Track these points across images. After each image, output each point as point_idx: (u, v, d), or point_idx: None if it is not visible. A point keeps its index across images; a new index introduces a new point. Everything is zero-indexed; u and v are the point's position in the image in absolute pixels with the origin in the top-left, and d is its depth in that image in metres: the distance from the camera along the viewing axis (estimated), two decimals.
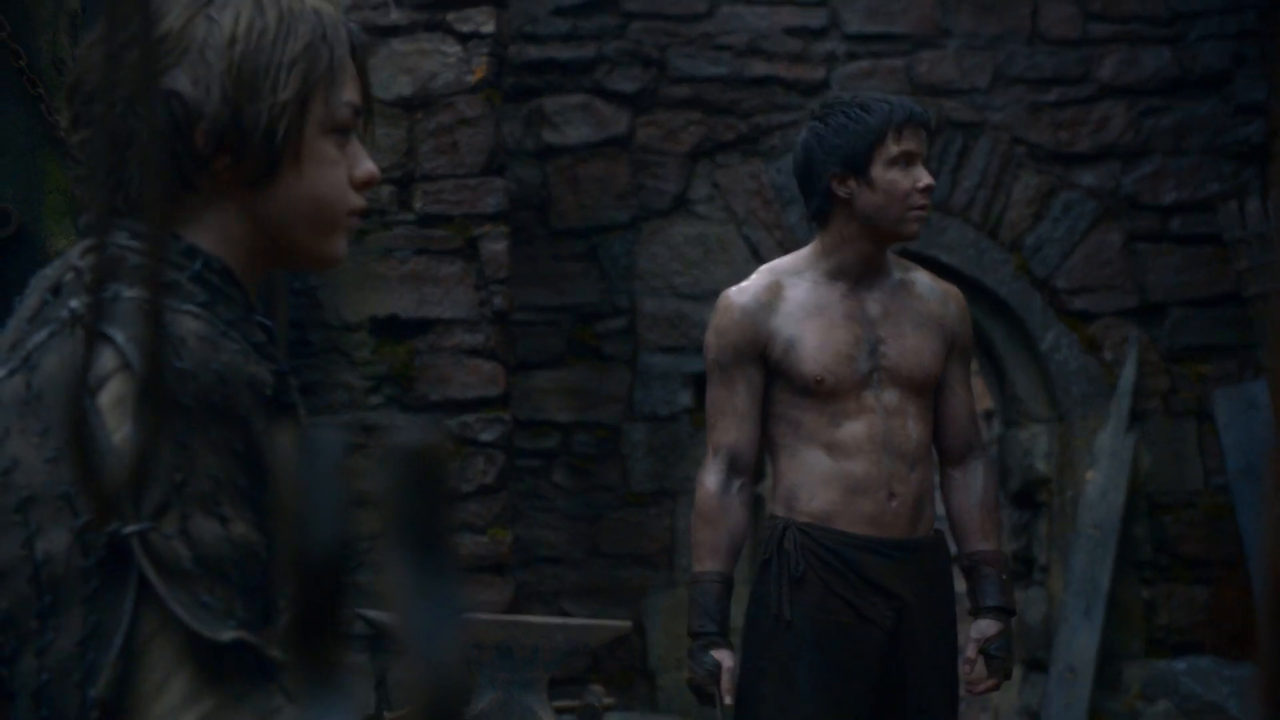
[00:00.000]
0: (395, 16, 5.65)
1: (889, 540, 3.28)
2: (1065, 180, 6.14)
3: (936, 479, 3.45)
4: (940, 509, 3.47)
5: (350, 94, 1.55)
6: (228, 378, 1.41)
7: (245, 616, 1.39)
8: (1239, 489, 5.85)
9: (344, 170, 1.55)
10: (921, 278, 3.42)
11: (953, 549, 3.47)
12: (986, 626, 3.33)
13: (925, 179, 3.27)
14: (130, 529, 1.36)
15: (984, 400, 7.27)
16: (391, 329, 5.47)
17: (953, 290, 3.45)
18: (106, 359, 1.39)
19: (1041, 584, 6.16)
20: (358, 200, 1.57)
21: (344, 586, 0.99)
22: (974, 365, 6.54)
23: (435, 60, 5.66)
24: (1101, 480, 5.97)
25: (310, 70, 1.51)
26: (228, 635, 1.35)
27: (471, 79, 5.64)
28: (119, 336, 1.40)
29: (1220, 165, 6.10)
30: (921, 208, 3.29)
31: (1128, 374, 6.03)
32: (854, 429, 3.28)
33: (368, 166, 1.57)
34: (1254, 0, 6.02)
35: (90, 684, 1.37)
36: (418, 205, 5.56)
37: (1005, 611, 3.35)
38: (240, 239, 1.53)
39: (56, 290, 1.46)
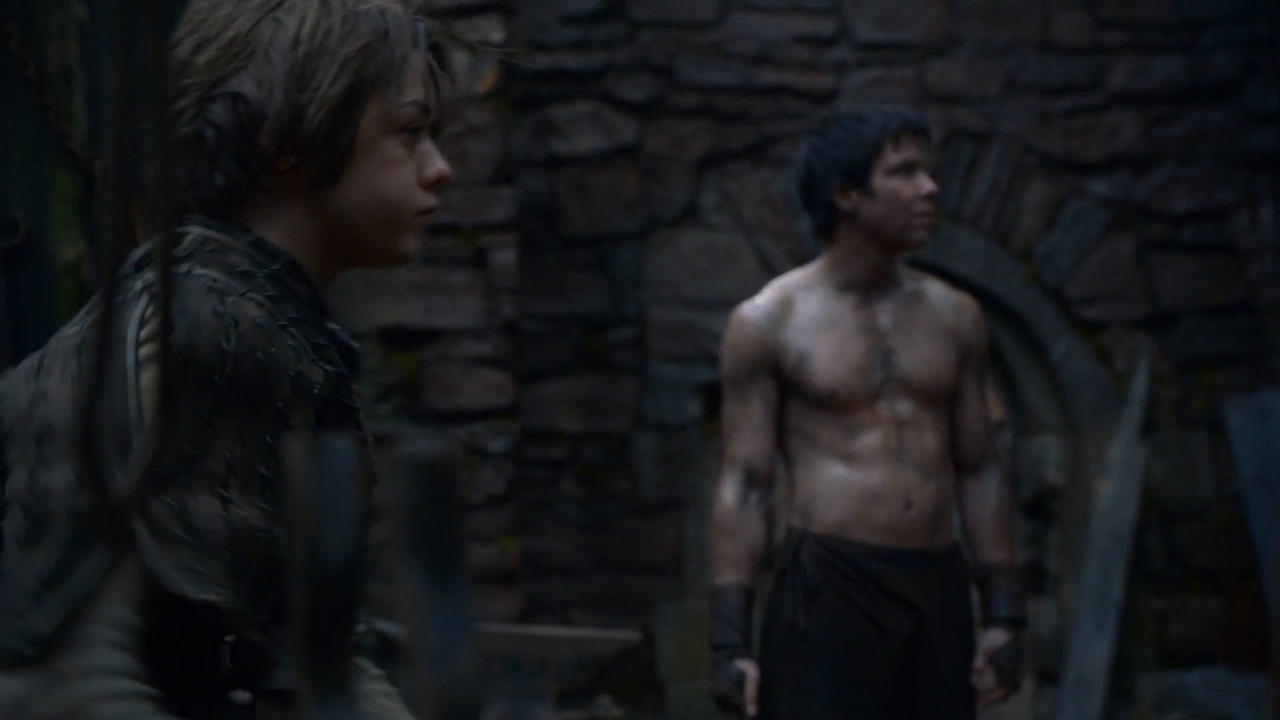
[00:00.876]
0: None
1: (906, 550, 3.29)
2: (1076, 189, 6.12)
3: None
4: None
5: (416, 93, 1.55)
6: (270, 369, 1.43)
7: (233, 597, 1.39)
8: (1251, 499, 5.83)
9: (412, 170, 1.56)
10: (935, 288, 3.43)
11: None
12: (996, 637, 3.35)
13: (927, 186, 3.29)
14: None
15: (996, 410, 7.25)
16: (399, 338, 5.46)
17: (967, 300, 3.46)
18: (158, 323, 1.41)
19: (1053, 595, 6.13)
20: (427, 200, 1.57)
21: (356, 598, 0.97)
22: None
23: None
24: (1113, 490, 5.95)
25: (363, 67, 1.52)
26: (204, 595, 1.36)
27: (480, 88, 5.63)
28: (174, 306, 1.42)
29: (1232, 174, 6.08)
30: (926, 214, 3.30)
31: (1139, 383, 6.01)
32: (868, 440, 3.30)
33: (438, 166, 1.57)
34: (1266, 8, 6.00)
35: (44, 620, 1.37)
36: None
37: (1016, 622, 3.36)
38: (309, 238, 1.55)
39: (140, 265, 1.50)
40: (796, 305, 3.36)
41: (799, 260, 5.48)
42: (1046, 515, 6.22)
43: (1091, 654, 5.84)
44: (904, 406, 3.32)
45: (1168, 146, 6.11)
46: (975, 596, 3.45)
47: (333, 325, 1.60)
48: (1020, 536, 6.24)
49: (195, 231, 1.50)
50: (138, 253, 1.52)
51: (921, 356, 3.34)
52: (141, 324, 1.41)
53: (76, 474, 1.37)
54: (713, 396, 5.74)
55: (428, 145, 1.57)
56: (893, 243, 3.32)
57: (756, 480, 3.35)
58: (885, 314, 3.36)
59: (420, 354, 5.45)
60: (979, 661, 3.35)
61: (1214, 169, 6.09)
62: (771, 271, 5.61)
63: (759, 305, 3.38)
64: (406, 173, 1.55)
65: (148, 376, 1.40)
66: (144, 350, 1.40)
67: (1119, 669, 5.89)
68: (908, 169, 3.29)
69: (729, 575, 3.32)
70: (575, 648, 4.34)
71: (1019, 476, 6.26)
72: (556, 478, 6.01)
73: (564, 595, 5.95)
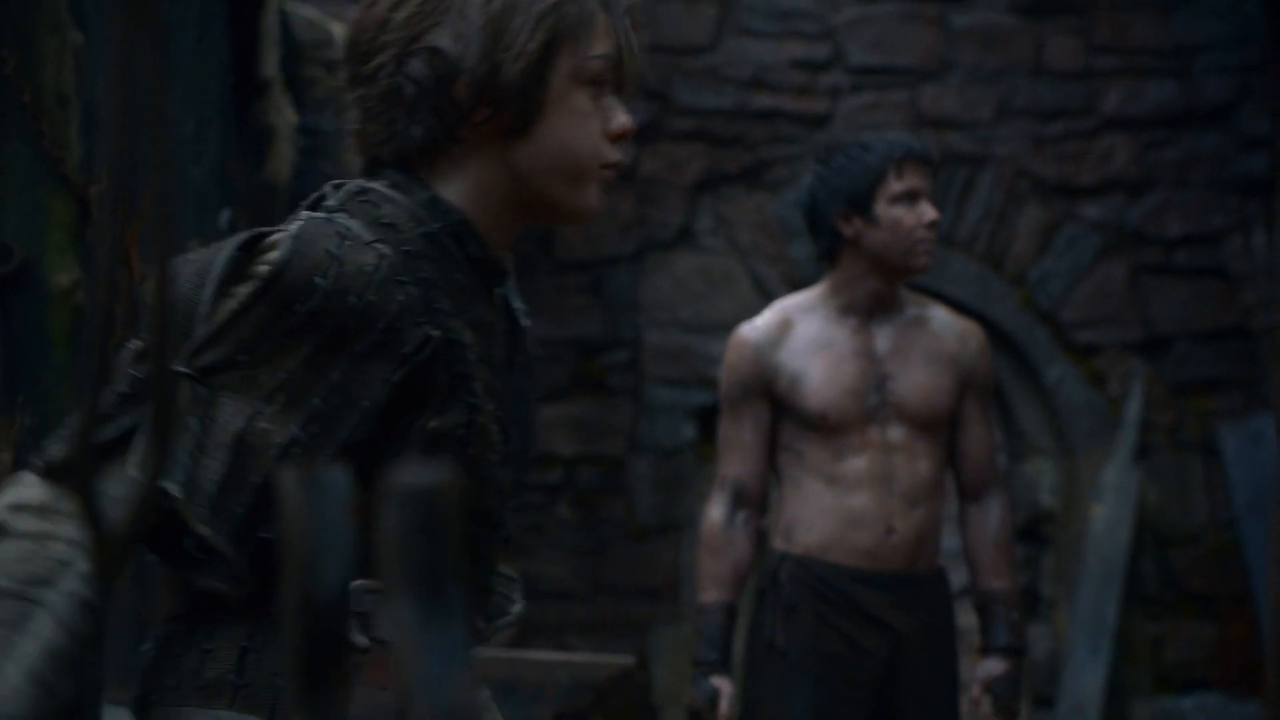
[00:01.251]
0: None
1: (886, 573, 3.32)
2: (1069, 213, 6.13)
3: (954, 513, 3.48)
4: (950, 544, 3.48)
5: (602, 47, 1.60)
6: (361, 315, 1.48)
7: (192, 497, 1.45)
8: (1246, 524, 5.82)
9: (598, 122, 1.61)
10: (939, 314, 3.45)
11: (957, 583, 3.47)
12: (993, 666, 3.35)
13: (930, 214, 3.32)
14: (176, 364, 1.45)
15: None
16: None
17: (972, 327, 3.47)
18: (271, 248, 1.49)
19: (1047, 619, 6.13)
20: (612, 153, 1.63)
21: (349, 629, 0.97)
22: None
23: None
24: (1108, 515, 5.94)
25: (558, 22, 1.58)
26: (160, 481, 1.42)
27: None
28: (292, 232, 1.50)
29: (1225, 198, 6.09)
30: (928, 241, 3.32)
31: (1133, 407, 6.01)
32: (856, 464, 3.32)
33: (621, 119, 1.62)
34: (1258, 34, 6.02)
35: (57, 451, 1.49)
36: None
37: (1014, 651, 3.36)
38: (495, 190, 1.61)
39: (312, 205, 1.59)
40: (795, 327, 3.39)
41: (794, 284, 5.48)
42: (1040, 539, 6.22)
43: (1086, 679, 5.83)
44: (896, 432, 3.34)
45: (1161, 171, 6.12)
46: (965, 621, 3.46)
47: (508, 296, 1.65)
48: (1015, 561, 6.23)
49: (353, 183, 1.58)
50: (314, 198, 1.60)
51: (917, 382, 3.35)
52: (263, 245, 1.49)
53: (143, 344, 1.49)
54: (709, 420, 5.74)
55: (611, 99, 1.62)
56: (895, 269, 3.35)
57: (745, 500, 3.39)
58: (884, 339, 3.38)
59: None
60: (974, 690, 3.35)
61: (1207, 194, 6.10)
62: (766, 295, 5.62)
63: (757, 326, 3.42)
64: (593, 125, 1.61)
65: (244, 288, 1.48)
66: (255, 267, 1.49)
67: (1113, 694, 5.88)
68: (910, 197, 3.32)
69: (713, 593, 3.37)
70: (571, 672, 4.33)
71: (1013, 501, 6.25)
72: (552, 502, 6.01)
73: (560, 619, 5.94)
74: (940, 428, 3.37)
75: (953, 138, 6.12)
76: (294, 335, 1.47)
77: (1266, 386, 5.93)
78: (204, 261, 1.50)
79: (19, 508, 1.45)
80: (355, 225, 1.52)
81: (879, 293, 3.37)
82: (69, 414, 2.80)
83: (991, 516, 3.42)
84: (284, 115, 4.99)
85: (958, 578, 3.98)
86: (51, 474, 1.46)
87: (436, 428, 1.52)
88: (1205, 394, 6.05)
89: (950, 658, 3.39)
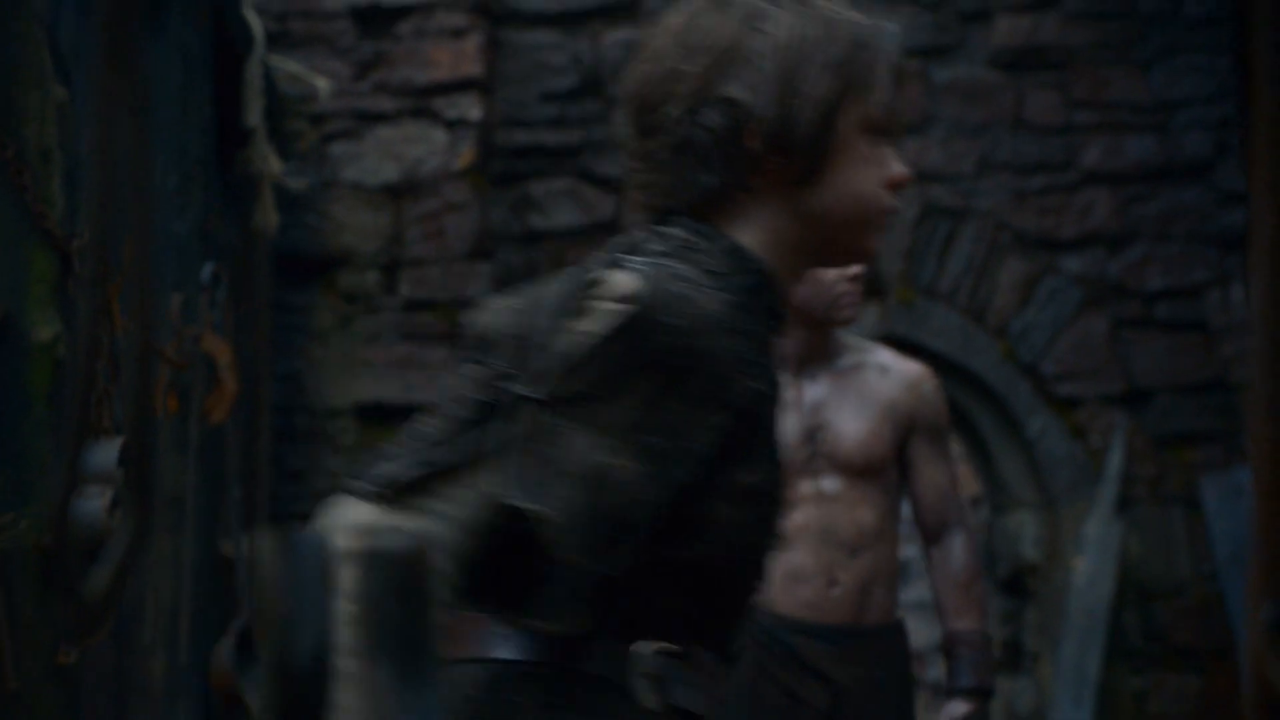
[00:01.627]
0: (382, 103, 5.67)
1: (829, 626, 3.30)
2: (1051, 266, 6.16)
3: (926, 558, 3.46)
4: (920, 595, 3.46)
5: (886, 95, 1.65)
6: (701, 361, 1.49)
7: (560, 517, 1.44)
8: (1228, 577, 5.82)
9: (879, 170, 1.64)
10: (879, 360, 3.43)
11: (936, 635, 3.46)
12: (954, 708, 3.33)
13: (851, 268, 3.31)
14: (525, 391, 1.46)
15: (971, 486, 7.24)
16: (377, 415, 5.44)
17: (916, 369, 3.44)
18: (621, 284, 1.50)
19: (1030, 672, 6.11)
20: (891, 200, 1.66)
21: (325, 691, 0.96)
22: (962, 451, 6.52)
23: (422, 146, 5.68)
24: (1090, 567, 5.94)
25: (849, 70, 1.61)
26: (524, 503, 1.42)
27: (458, 164, 5.65)
28: (641, 273, 1.51)
29: (1205, 252, 6.12)
30: (850, 294, 3.32)
31: (1115, 460, 6.02)
32: (793, 518, 3.31)
33: (899, 168, 1.66)
34: (1236, 89, 6.07)
35: (402, 470, 1.47)
36: (404, 290, 5.55)
37: (979, 692, 3.32)
38: (785, 237, 1.63)
39: (629, 250, 1.60)
40: None
41: None
42: (1023, 592, 6.21)
43: None
44: (830, 482, 3.33)
45: (1141, 225, 6.15)
46: (927, 670, 3.44)
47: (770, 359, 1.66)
48: (997, 613, 6.22)
49: (678, 234, 1.59)
50: (628, 244, 1.62)
51: (849, 430, 3.34)
52: (601, 282, 1.49)
53: (476, 371, 1.49)
54: None
55: (888, 148, 1.66)
56: (820, 321, 3.34)
57: None
58: (816, 390, 3.37)
59: (398, 430, 5.43)
60: None
61: (1187, 247, 6.13)
62: None
63: None
64: (875, 172, 1.64)
65: (585, 322, 1.48)
66: (595, 302, 1.49)
67: None
68: None
69: None
70: None
71: (995, 553, 6.24)
72: None
73: None
74: (881, 474, 3.35)
75: (935, 191, 6.15)
76: (639, 373, 1.47)
77: (1247, 439, 5.94)
78: (536, 295, 1.53)
79: (355, 530, 1.42)
80: (691, 271, 1.54)
81: (808, 342, 3.37)
82: (49, 469, 2.79)
83: (953, 557, 3.39)
84: (270, 164, 4.99)
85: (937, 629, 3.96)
86: (382, 496, 1.45)
87: (750, 483, 1.53)
88: (1186, 447, 6.06)
89: (902, 712, 3.36)
